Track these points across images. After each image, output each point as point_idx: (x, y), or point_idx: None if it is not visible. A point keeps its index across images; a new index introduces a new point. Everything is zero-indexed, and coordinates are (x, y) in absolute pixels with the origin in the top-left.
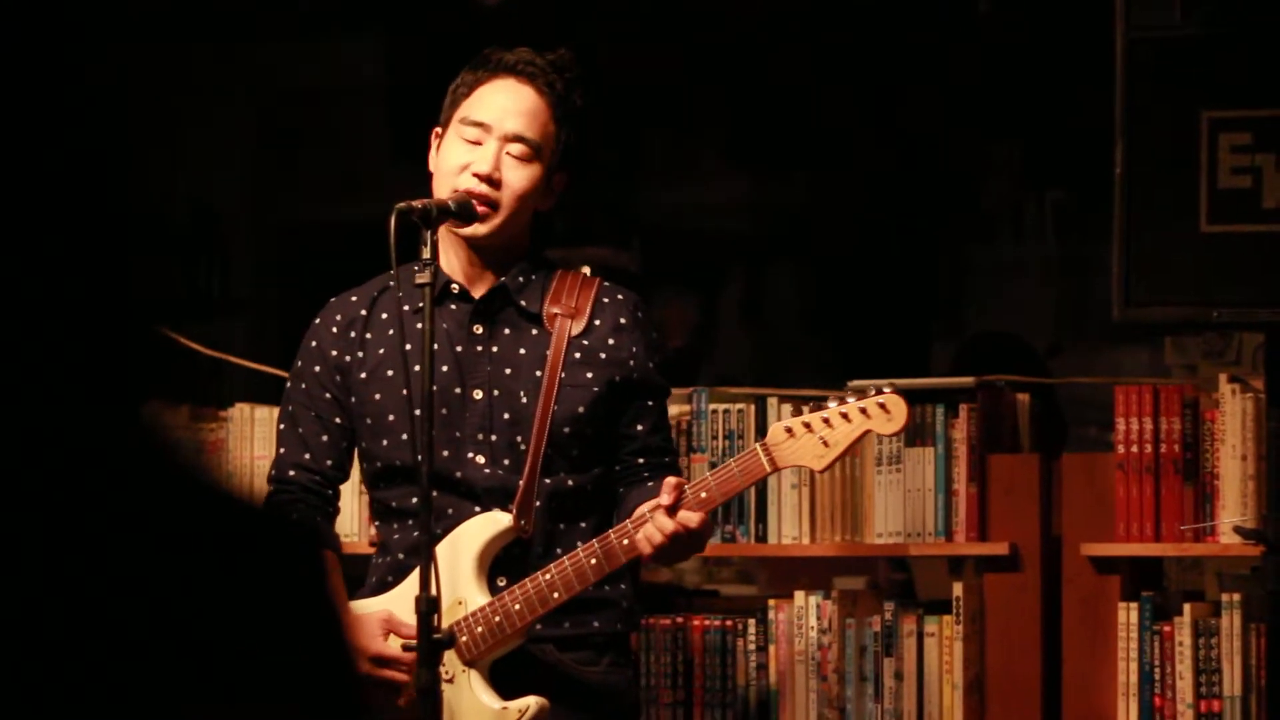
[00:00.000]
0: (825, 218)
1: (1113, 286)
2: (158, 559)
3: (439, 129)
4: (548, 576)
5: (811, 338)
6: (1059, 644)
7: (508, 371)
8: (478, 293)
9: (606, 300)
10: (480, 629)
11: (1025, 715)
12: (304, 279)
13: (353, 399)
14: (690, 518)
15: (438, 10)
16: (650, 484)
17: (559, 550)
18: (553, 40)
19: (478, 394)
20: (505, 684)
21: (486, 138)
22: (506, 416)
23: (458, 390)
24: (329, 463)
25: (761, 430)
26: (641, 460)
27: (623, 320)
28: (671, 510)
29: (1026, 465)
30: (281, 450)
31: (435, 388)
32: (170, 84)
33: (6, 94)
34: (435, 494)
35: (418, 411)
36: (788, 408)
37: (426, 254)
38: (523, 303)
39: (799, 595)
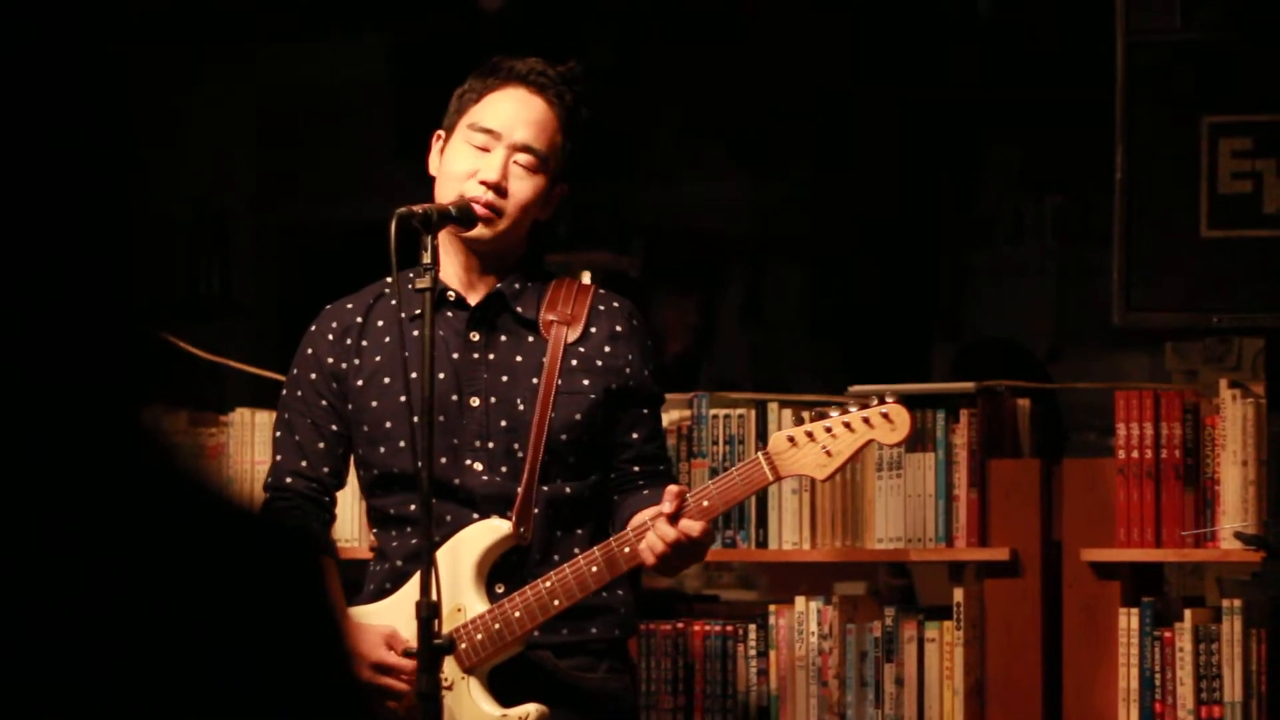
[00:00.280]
0: (825, 218)
1: (1113, 291)
2: (156, 564)
3: (441, 132)
4: (548, 584)
5: (812, 341)
6: (1059, 650)
7: (505, 379)
8: (474, 300)
9: (602, 308)
10: (480, 636)
11: None
12: (306, 281)
13: (349, 406)
14: (692, 526)
15: (440, 10)
16: (646, 492)
17: (556, 557)
18: (552, 40)
19: (475, 401)
20: (504, 691)
21: (495, 145)
22: (504, 424)
23: (455, 397)
24: (326, 470)
25: (762, 435)
26: (637, 468)
27: (619, 328)
28: (673, 519)
29: (1027, 470)
30: (278, 458)
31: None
32: (173, 84)
33: (7, 94)
34: (434, 501)
35: (416, 419)
36: (788, 414)
37: (426, 259)
38: (519, 309)
39: (799, 601)
